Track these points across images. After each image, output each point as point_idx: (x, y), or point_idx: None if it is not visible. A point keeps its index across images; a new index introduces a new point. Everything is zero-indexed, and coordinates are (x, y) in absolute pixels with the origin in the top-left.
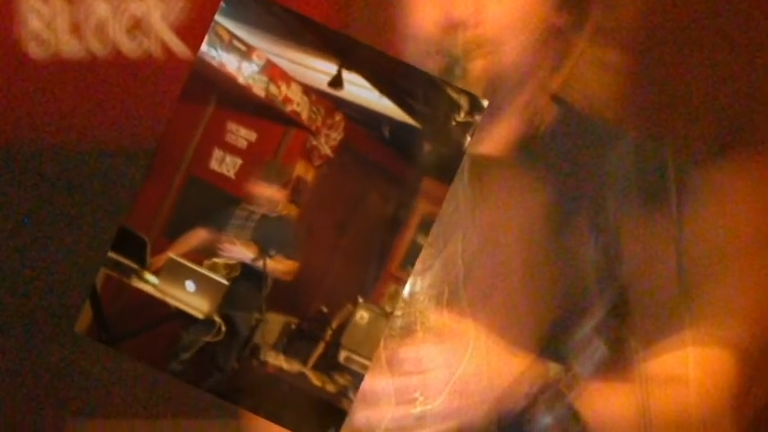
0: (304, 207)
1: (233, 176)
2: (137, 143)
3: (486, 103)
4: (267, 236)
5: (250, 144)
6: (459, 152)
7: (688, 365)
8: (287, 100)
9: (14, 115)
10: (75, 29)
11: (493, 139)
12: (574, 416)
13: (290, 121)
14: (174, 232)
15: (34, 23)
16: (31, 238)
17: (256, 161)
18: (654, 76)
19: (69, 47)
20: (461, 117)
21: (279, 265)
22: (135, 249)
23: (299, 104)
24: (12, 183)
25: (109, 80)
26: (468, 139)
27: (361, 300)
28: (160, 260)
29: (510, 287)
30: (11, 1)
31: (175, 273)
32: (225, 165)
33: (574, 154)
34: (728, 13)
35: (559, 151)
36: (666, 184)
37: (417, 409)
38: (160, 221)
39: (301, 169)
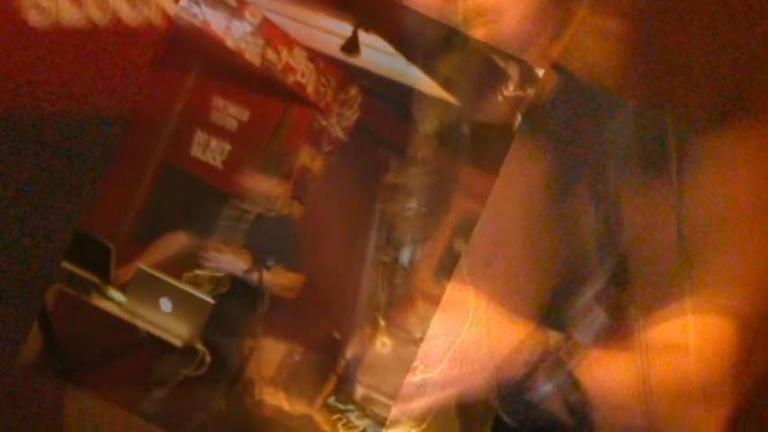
0: (310, 205)
1: (220, 166)
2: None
3: (541, 72)
4: (264, 241)
5: (241, 125)
6: (507, 134)
7: (688, 333)
8: (288, 69)
9: (14, 84)
10: None
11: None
12: (574, 384)
13: (293, 95)
14: (145, 237)
15: None
16: (31, 206)
17: (249, 146)
18: (654, 44)
19: (69, 15)
20: (510, 90)
21: (278, 279)
22: (96, 259)
23: (303, 74)
24: (12, 151)
25: (109, 48)
26: (519, 118)
27: (382, 322)
28: (128, 272)
29: (510, 255)
30: None
31: (147, 288)
32: (210, 151)
33: (574, 122)
34: None
35: (560, 120)
36: (667, 152)
37: (418, 378)
38: (128, 223)
39: (306, 157)
